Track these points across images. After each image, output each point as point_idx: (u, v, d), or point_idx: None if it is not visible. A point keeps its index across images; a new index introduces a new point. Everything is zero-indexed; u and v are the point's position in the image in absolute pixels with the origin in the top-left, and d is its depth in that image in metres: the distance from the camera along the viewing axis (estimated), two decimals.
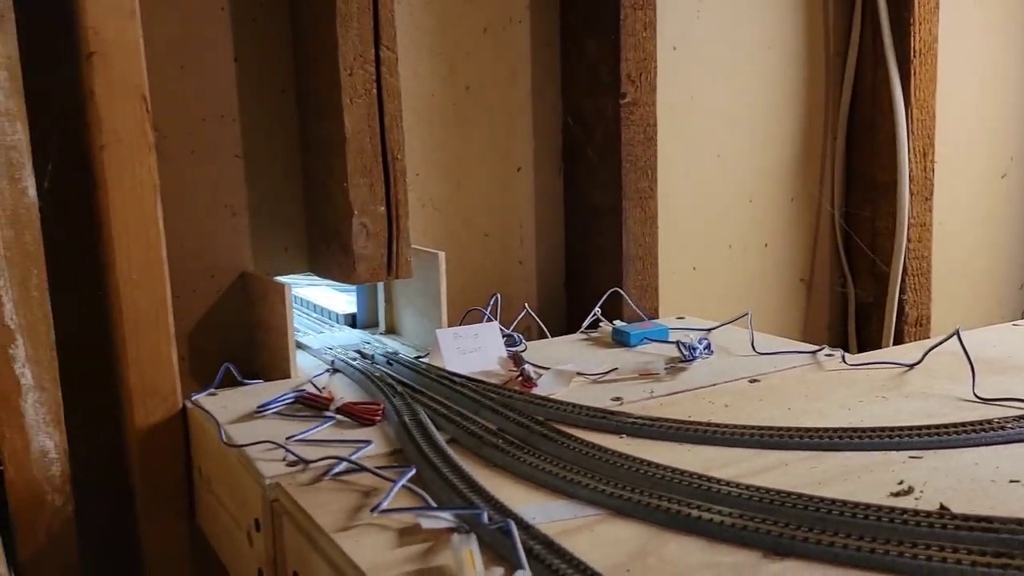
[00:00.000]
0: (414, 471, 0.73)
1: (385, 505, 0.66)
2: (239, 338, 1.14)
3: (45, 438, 0.91)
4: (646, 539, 0.62)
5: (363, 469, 0.73)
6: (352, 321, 1.29)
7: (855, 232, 1.60)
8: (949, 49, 1.60)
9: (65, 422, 0.92)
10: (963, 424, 0.80)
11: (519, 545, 0.57)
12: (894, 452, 0.77)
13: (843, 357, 1.03)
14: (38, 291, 0.90)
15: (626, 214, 1.26)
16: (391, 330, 1.25)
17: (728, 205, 1.50)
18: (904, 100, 1.48)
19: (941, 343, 0.99)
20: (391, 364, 1.06)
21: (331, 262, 1.12)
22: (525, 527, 0.62)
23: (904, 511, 0.62)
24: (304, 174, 1.16)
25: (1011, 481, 0.70)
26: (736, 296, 1.53)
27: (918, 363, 1.00)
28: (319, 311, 1.38)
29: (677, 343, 1.04)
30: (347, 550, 0.62)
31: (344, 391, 0.97)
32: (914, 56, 1.48)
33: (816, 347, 1.07)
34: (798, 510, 0.64)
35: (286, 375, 1.04)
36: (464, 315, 1.18)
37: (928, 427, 0.79)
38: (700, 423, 0.82)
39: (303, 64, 1.12)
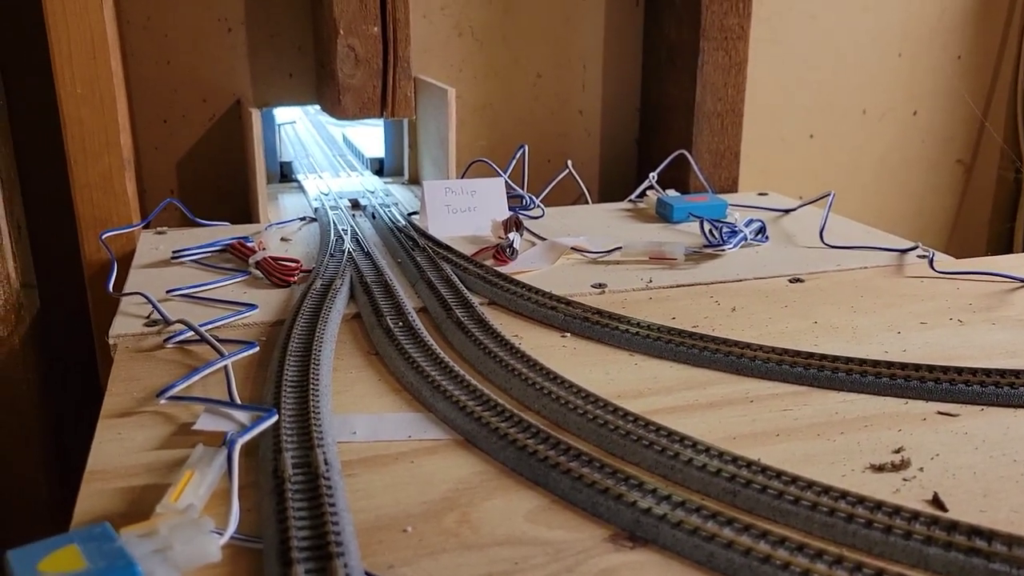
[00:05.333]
0: (255, 349, 0.58)
1: (177, 391, 0.52)
2: (233, 172, 1.02)
3: None
4: (474, 484, 0.45)
5: (203, 340, 0.59)
6: (380, 167, 1.13)
7: None
8: None
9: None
10: None
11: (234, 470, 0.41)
12: (918, 402, 0.53)
13: (931, 262, 0.77)
14: None
15: (704, 57, 1.01)
16: (414, 180, 1.09)
17: (867, 58, 1.20)
18: None
19: None
20: (374, 219, 0.90)
21: (324, 92, 0.96)
22: (321, 445, 0.46)
23: (860, 501, 0.41)
24: None
25: None
26: (864, 175, 1.24)
27: None
28: (356, 154, 1.23)
29: (701, 222, 0.81)
30: (95, 444, 0.48)
31: (304, 244, 0.83)
32: None
33: (910, 245, 0.81)
34: (699, 472, 0.44)
35: (256, 219, 0.91)
36: (467, 167, 0.99)
37: (991, 371, 0.55)
38: (666, 329, 0.62)
39: None
